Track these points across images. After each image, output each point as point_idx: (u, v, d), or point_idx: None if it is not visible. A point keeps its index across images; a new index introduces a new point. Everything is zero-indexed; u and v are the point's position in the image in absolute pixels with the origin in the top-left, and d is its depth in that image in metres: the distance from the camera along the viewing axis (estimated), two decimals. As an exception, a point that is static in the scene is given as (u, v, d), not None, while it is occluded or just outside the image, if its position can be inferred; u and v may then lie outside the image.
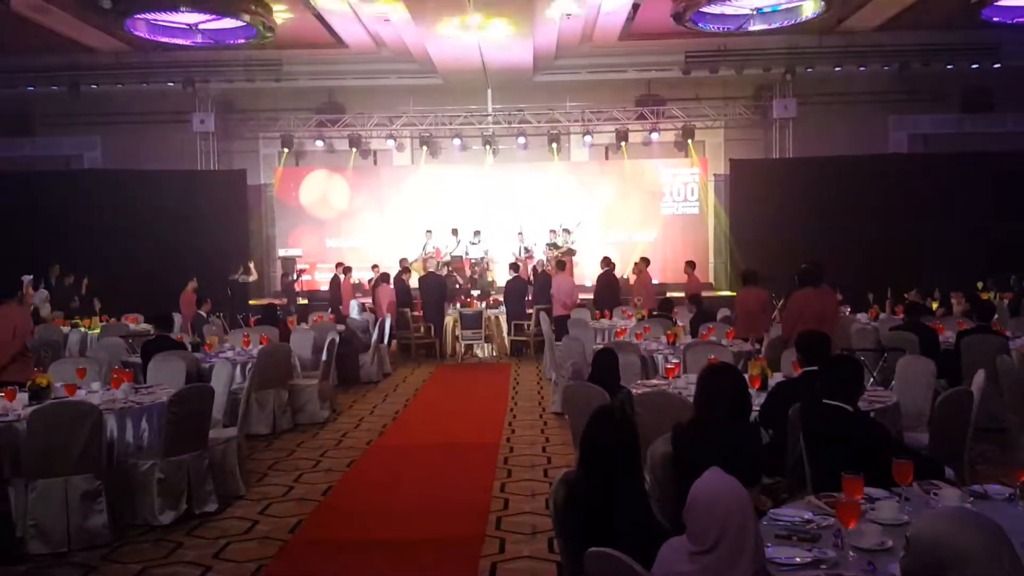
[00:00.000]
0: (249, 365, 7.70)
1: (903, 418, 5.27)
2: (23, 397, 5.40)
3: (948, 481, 3.49)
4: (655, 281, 14.08)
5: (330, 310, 14.11)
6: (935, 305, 11.28)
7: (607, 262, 13.69)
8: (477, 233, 17.17)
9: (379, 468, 6.79)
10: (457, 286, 15.55)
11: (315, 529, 5.30)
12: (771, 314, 9.19)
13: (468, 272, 16.93)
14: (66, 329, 11.12)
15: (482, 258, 16.85)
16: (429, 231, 17.31)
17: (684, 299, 11.40)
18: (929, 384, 5.71)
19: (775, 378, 5.40)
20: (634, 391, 5.28)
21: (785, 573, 2.55)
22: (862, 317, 10.64)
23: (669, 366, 5.64)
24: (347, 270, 15.40)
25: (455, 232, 17.28)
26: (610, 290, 13.34)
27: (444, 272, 14.52)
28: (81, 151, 19.24)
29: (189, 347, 8.20)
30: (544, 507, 5.52)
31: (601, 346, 7.96)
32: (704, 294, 12.69)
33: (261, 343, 8.53)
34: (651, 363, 7.34)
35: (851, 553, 2.69)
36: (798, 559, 2.63)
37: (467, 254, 17.09)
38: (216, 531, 5.17)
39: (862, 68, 17.51)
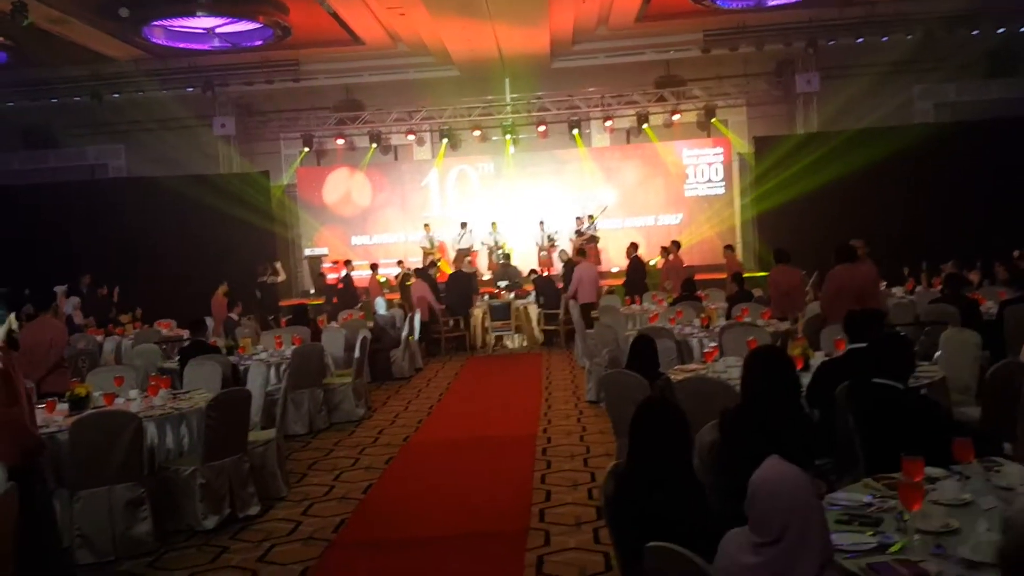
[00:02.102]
0: (283, 366, 7.72)
1: (950, 392, 5.14)
2: (63, 408, 5.42)
3: (1007, 456, 3.38)
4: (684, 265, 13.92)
5: (361, 306, 14.10)
6: (974, 275, 11.02)
7: (634, 248, 13.59)
8: (494, 224, 17.15)
9: (418, 464, 6.77)
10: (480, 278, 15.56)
11: (358, 528, 5.29)
12: (805, 292, 9.02)
13: (488, 263, 16.93)
14: (100, 338, 11.20)
15: (501, 251, 16.82)
16: (464, 223, 17.31)
17: (721, 279, 11.24)
18: (976, 357, 5.56)
19: (817, 358, 5.29)
20: (673, 377, 5.19)
21: (850, 560, 2.47)
22: (898, 291, 10.44)
23: (707, 350, 5.53)
24: (373, 266, 15.38)
25: (464, 225, 17.27)
26: (639, 276, 13.27)
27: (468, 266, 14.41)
28: (106, 160, 19.46)
29: (224, 350, 8.23)
30: (587, 497, 5.47)
31: (634, 333, 7.88)
32: (736, 275, 12.56)
33: (293, 344, 8.53)
34: (686, 348, 7.24)
35: (916, 536, 2.60)
36: (863, 544, 2.55)
37: (482, 244, 17.19)
38: (260, 534, 5.17)
39: (885, 38, 17.13)
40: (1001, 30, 16.80)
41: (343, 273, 15.10)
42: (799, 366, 4.88)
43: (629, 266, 13.59)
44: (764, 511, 2.17)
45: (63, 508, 4.74)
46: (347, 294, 14.70)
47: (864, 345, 4.07)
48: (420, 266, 14.96)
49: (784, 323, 7.90)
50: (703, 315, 8.01)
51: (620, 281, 14.10)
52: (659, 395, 3.14)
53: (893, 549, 2.53)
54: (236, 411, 5.35)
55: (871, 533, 2.65)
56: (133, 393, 5.80)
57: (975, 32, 16.79)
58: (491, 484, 6.00)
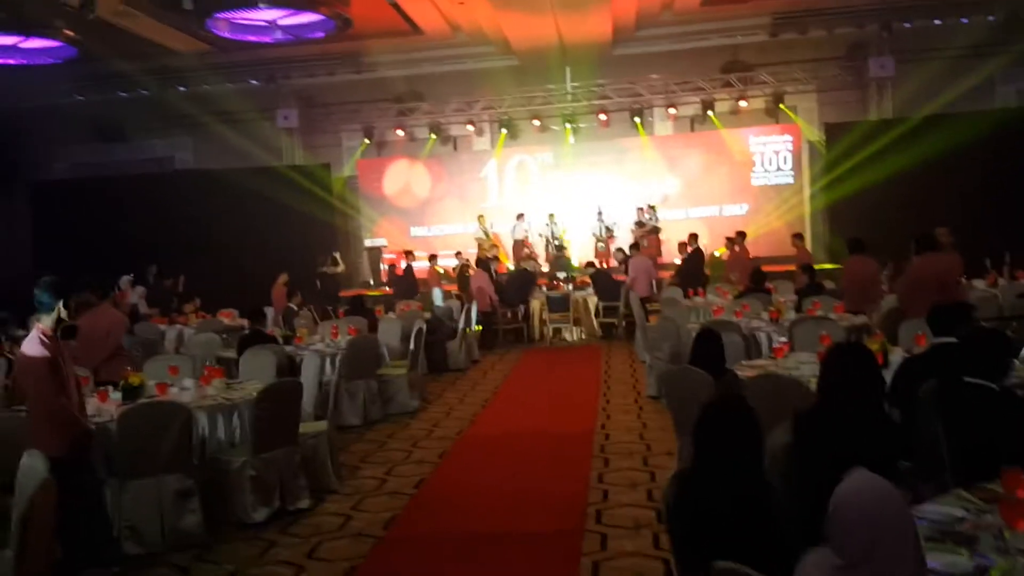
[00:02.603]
0: (339, 356, 7.64)
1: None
2: (116, 398, 5.41)
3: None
4: (750, 257, 13.48)
5: (418, 298, 14.04)
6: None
7: (693, 239, 13.24)
8: (552, 216, 16.93)
9: (471, 459, 6.61)
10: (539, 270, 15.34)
11: (408, 525, 5.14)
12: (881, 284, 8.56)
13: (545, 255, 16.74)
14: (163, 327, 11.35)
15: (557, 241, 16.60)
16: (521, 215, 17.16)
17: (789, 271, 10.81)
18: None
19: (896, 354, 4.93)
20: (740, 374, 4.90)
21: (945, 584, 2.19)
22: (980, 284, 9.85)
23: (776, 345, 5.21)
24: (432, 257, 15.27)
25: (520, 217, 17.09)
26: (697, 268, 12.92)
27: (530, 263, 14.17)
28: (173, 152, 19.85)
29: (281, 340, 8.20)
30: (646, 498, 5.21)
31: (697, 327, 7.57)
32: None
33: (349, 334, 8.45)
34: (754, 343, 6.90)
35: (1021, 559, 2.30)
36: (959, 566, 2.26)
37: (539, 235, 17.05)
38: (309, 528, 5.06)
39: (964, 20, 16.31)
40: (1091, 8, 15.80)
41: (403, 264, 15.04)
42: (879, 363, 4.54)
43: (685, 259, 13.25)
44: (849, 530, 1.91)
45: (112, 498, 4.70)
46: (407, 284, 14.65)
47: (952, 341, 3.73)
48: (478, 257, 14.81)
49: (859, 317, 7.48)
50: (772, 308, 7.64)
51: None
52: (727, 393, 2.85)
53: (993, 572, 2.25)
54: (287, 402, 5.26)
55: (967, 554, 2.36)
56: (188, 382, 5.76)
57: (1063, 11, 15.84)
58: (546, 482, 5.78)
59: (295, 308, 10.84)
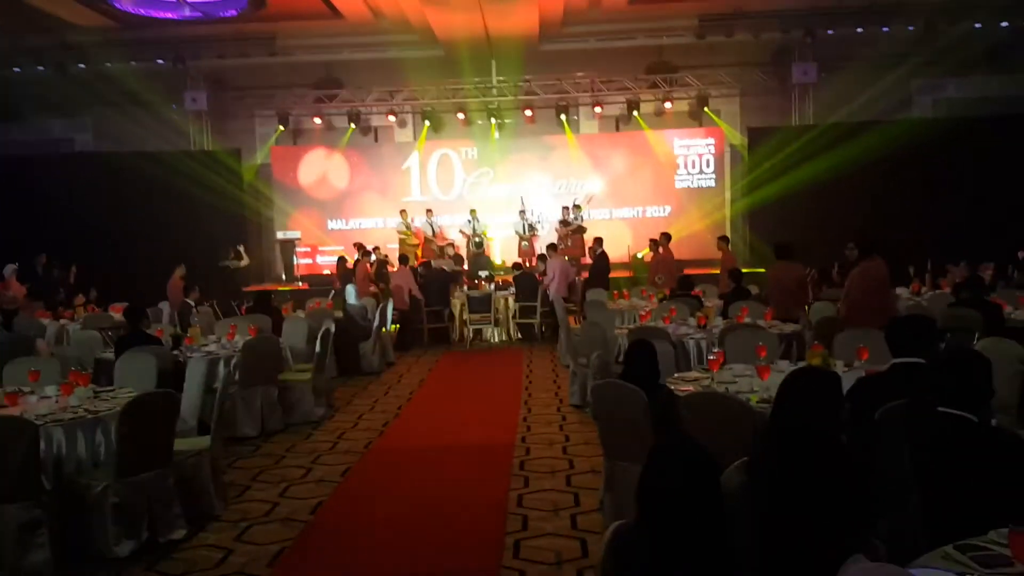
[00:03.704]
0: (234, 360, 6.93)
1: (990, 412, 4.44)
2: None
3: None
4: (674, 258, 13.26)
5: (332, 295, 13.29)
6: (987, 276, 10.35)
7: (598, 243, 13.03)
8: (474, 211, 16.47)
9: (377, 478, 5.95)
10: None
11: (298, 560, 4.46)
12: (808, 291, 8.33)
13: (466, 252, 16.27)
14: (46, 321, 10.34)
15: (477, 239, 16.14)
16: (429, 210, 16.69)
17: (712, 274, 10.59)
18: (1018, 371, 4.86)
19: (837, 369, 4.58)
20: (675, 388, 4.47)
21: None
22: (903, 292, 9.77)
23: (711, 357, 4.81)
24: (366, 253, 14.24)
25: (429, 212, 16.68)
26: (604, 272, 12.72)
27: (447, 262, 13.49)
28: (72, 134, 18.60)
29: (171, 341, 7.43)
30: (570, 526, 4.71)
31: (624, 331, 7.18)
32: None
33: (249, 335, 7.72)
34: (682, 350, 6.51)
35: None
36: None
37: (460, 232, 16.68)
38: (182, 564, 4.32)
39: (886, 28, 16.52)
40: (1004, 24, 16.20)
41: (356, 257, 14.04)
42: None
43: (596, 262, 13.01)
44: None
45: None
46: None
47: (917, 361, 3.35)
48: (400, 253, 14.18)
49: (789, 324, 7.20)
50: (699, 314, 7.29)
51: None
52: (677, 439, 2.31)
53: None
54: (158, 417, 4.54)
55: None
56: (50, 390, 5.01)
57: (977, 25, 16.20)
58: (459, 507, 5.19)
59: (192, 304, 10.00)
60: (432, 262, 13.09)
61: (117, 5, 14.99)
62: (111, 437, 4.52)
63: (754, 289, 9.83)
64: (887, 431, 3.00)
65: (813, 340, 5.98)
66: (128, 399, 4.59)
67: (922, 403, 2.84)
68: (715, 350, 5.33)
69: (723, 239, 12.51)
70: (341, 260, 15.56)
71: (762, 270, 14.86)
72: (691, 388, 4.46)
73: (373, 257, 14.31)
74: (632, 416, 4.02)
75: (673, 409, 3.98)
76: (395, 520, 5.03)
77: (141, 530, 4.42)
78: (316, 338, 7.95)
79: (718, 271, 12.89)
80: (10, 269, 12.93)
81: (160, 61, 17.05)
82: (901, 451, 2.87)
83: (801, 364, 4.96)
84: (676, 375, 4.94)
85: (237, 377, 6.87)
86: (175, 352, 6.84)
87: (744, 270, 14.97)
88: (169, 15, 15.62)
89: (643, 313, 8.07)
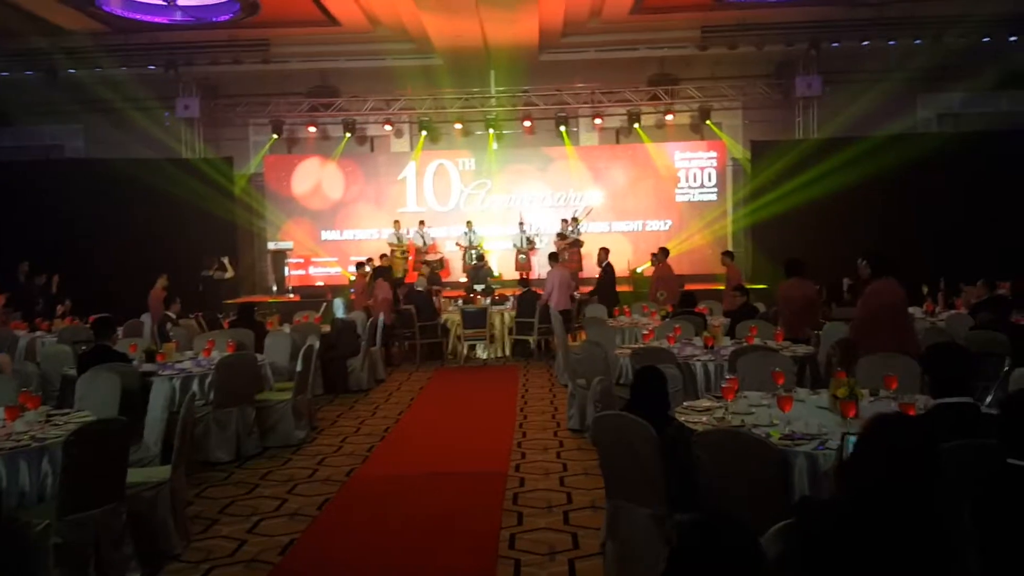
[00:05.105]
0: (209, 379, 6.48)
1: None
2: None
3: None
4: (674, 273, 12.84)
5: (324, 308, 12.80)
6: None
7: (605, 253, 12.56)
8: (470, 223, 16.09)
9: (356, 513, 5.42)
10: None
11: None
12: (819, 310, 7.91)
13: (463, 265, 15.88)
14: (20, 333, 9.90)
15: (475, 251, 15.72)
16: (422, 222, 16.33)
17: (714, 290, 10.15)
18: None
19: (864, 400, 4.14)
20: (685, 420, 4.02)
21: None
22: (916, 311, 9.33)
23: (724, 384, 4.36)
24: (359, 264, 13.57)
25: (422, 224, 16.35)
26: (612, 287, 12.27)
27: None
28: (62, 140, 18.24)
29: (143, 356, 6.99)
30: (567, 572, 4.26)
31: (627, 351, 6.74)
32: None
33: (228, 351, 7.27)
34: (689, 373, 6.07)
35: None
36: None
37: (456, 244, 16.35)
38: (131, 614, 3.91)
39: (892, 42, 16.22)
40: (1013, 38, 15.90)
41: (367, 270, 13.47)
42: (851, 414, 3.73)
43: (604, 275, 12.56)
44: None
45: None
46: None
47: (966, 401, 2.91)
48: (380, 266, 13.75)
49: (801, 346, 6.77)
50: (706, 334, 6.85)
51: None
52: (713, 520, 1.79)
53: None
54: (108, 446, 4.08)
55: None
56: (-3, 412, 4.56)
57: (985, 39, 15.89)
58: (444, 550, 4.70)
59: (172, 316, 9.55)
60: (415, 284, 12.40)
61: (106, 8, 14.63)
62: (58, 469, 4.06)
63: (761, 307, 9.41)
64: (944, 481, 2.56)
65: (837, 365, 5.54)
66: (79, 426, 4.12)
67: (987, 452, 2.40)
68: (728, 376, 4.88)
69: (727, 254, 12.11)
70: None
71: (764, 286, 14.51)
72: (704, 420, 4.02)
73: (367, 268, 13.86)
74: (639, 452, 3.59)
75: (684, 442, 3.54)
76: (370, 566, 4.55)
77: (87, 574, 3.94)
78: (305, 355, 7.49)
79: (720, 287, 12.49)
80: (-11, 277, 12.49)
81: (152, 67, 16.73)
82: (960, 503, 2.43)
83: (821, 391, 4.54)
84: (686, 404, 4.50)
85: (211, 397, 6.42)
86: (144, 369, 6.38)
87: (748, 286, 14.62)
88: (160, 19, 15.28)
89: (646, 332, 7.62)
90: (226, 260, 14.29)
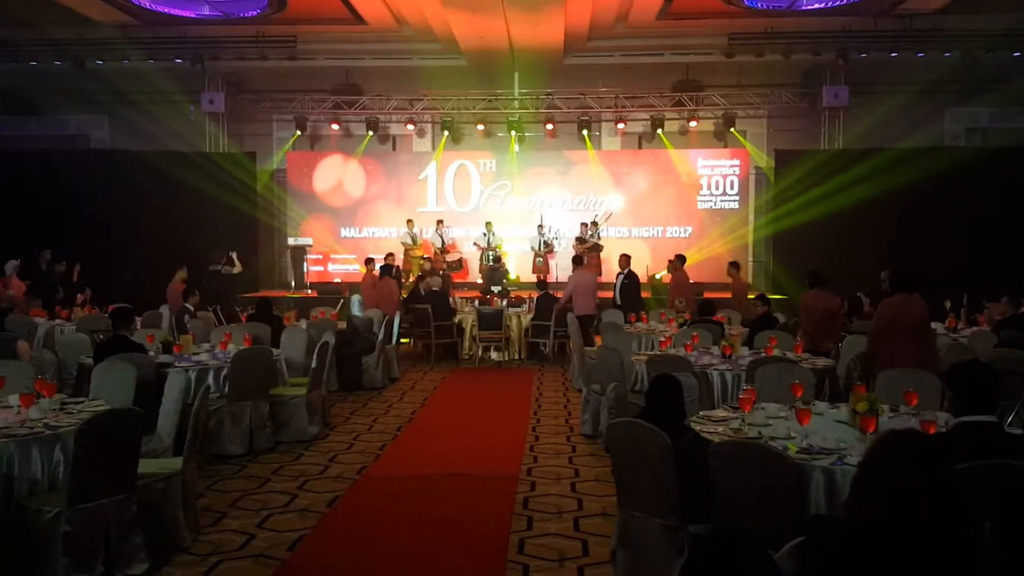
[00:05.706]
0: (225, 372, 6.50)
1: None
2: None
3: None
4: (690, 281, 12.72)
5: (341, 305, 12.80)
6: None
7: (626, 260, 12.37)
8: (489, 224, 16.05)
9: (366, 511, 5.39)
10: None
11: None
12: (840, 323, 7.81)
13: (480, 266, 15.85)
14: (40, 320, 9.97)
15: (493, 253, 15.65)
16: (440, 221, 16.35)
17: (722, 298, 10.04)
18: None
19: (884, 415, 4.07)
20: (700, 429, 3.97)
21: None
22: (938, 327, 9.20)
23: (741, 395, 4.31)
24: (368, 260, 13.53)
25: (440, 223, 16.33)
26: (637, 292, 12.12)
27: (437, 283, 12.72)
28: (88, 130, 18.40)
29: (160, 347, 7.01)
30: (576, 576, 4.22)
31: (643, 358, 6.69)
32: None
33: (244, 344, 7.28)
34: (705, 381, 6.01)
35: None
36: None
37: (475, 245, 16.33)
38: (138, 603, 3.91)
39: (921, 54, 16.03)
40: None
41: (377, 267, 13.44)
42: (871, 429, 3.67)
43: (628, 280, 12.37)
44: None
45: None
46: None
47: (990, 420, 2.85)
48: (384, 264, 13.72)
49: (820, 358, 6.69)
50: (724, 343, 6.78)
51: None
52: (737, 534, 1.72)
53: None
54: (120, 437, 4.09)
55: None
56: (12, 399, 4.59)
57: (1016, 54, 15.68)
58: (452, 552, 4.66)
59: (191, 309, 9.60)
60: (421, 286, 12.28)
61: (135, 1, 14.75)
62: (70, 457, 4.07)
63: (781, 317, 9.32)
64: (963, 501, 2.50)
65: (857, 379, 5.46)
66: (88, 416, 4.13)
67: (1008, 471, 2.34)
68: (745, 387, 4.82)
69: (733, 265, 12.00)
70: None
71: (784, 296, 14.39)
72: (720, 430, 3.96)
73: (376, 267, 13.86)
74: (653, 461, 3.54)
75: (697, 455, 3.49)
76: (378, 565, 4.52)
77: (95, 563, 3.95)
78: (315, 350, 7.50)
79: (731, 295, 12.34)
80: (12, 266, 12.63)
81: (179, 61, 16.82)
82: (981, 523, 2.38)
83: (840, 405, 4.47)
84: (701, 413, 4.44)
85: (227, 390, 6.43)
86: (160, 360, 6.40)
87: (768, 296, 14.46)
88: (188, 13, 15.39)
89: (663, 339, 7.56)
90: (234, 255, 14.32)
